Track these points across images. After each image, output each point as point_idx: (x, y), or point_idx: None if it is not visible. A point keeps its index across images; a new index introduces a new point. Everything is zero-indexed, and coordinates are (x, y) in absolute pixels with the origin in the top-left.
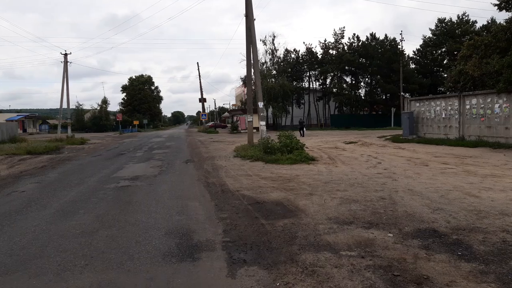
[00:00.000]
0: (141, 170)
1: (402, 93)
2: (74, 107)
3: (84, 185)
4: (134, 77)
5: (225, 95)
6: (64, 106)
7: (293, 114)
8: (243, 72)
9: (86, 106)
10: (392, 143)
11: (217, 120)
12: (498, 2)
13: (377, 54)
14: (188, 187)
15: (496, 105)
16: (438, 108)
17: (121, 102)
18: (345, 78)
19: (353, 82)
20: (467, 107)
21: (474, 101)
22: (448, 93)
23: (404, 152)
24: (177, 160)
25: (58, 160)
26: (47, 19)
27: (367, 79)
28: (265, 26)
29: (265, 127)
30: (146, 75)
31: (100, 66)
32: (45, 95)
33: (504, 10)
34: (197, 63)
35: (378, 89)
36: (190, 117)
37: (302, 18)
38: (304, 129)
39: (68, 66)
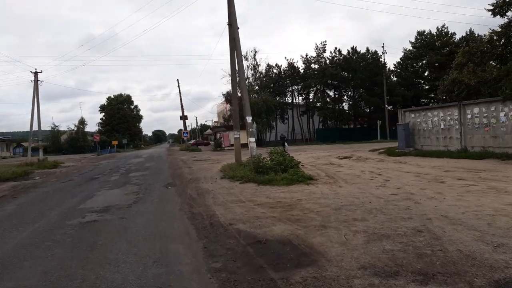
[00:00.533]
0: (114, 198)
1: (386, 106)
2: (49, 128)
3: (42, 221)
4: (112, 97)
5: (207, 112)
6: (35, 127)
7: (277, 129)
8: (224, 88)
9: (63, 128)
10: (388, 156)
11: (199, 138)
12: (492, 8)
13: (359, 67)
14: (169, 220)
15: (502, 114)
16: (435, 118)
17: (100, 122)
18: (328, 92)
19: (337, 96)
20: (469, 116)
21: (476, 110)
22: (441, 103)
23: (407, 166)
24: (157, 184)
25: (21, 188)
26: (23, 40)
27: (350, 92)
28: (245, 42)
29: (255, 143)
30: (125, 94)
31: (78, 87)
32: (23, 117)
33: (498, 16)
34: (177, 80)
35: (362, 102)
36: (172, 135)
37: (281, 35)
38: (286, 144)
39: (39, 85)
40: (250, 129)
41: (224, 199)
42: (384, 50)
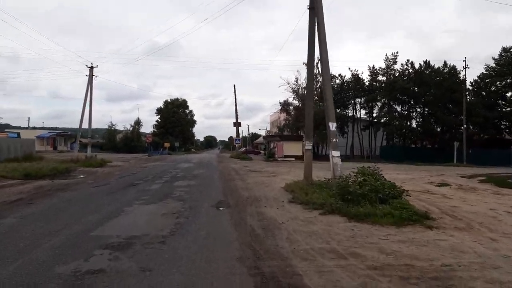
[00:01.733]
0: (145, 220)
1: (465, 126)
2: (107, 127)
3: (19, 262)
4: (169, 100)
5: (258, 121)
6: (86, 123)
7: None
8: (281, 97)
9: (120, 127)
10: (499, 187)
11: (250, 146)
12: None
13: (433, 82)
14: (222, 280)
15: None
16: None
17: (155, 124)
18: (396, 107)
19: (405, 112)
20: None
21: None
22: None
23: None
24: (205, 202)
25: (48, 189)
26: (92, 46)
27: (419, 109)
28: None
29: (339, 159)
30: (181, 98)
31: (140, 90)
32: (86, 114)
33: None
34: (234, 85)
35: (432, 120)
36: (222, 141)
37: (340, 49)
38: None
39: (94, 80)
40: (334, 139)
41: (308, 246)
42: (466, 65)
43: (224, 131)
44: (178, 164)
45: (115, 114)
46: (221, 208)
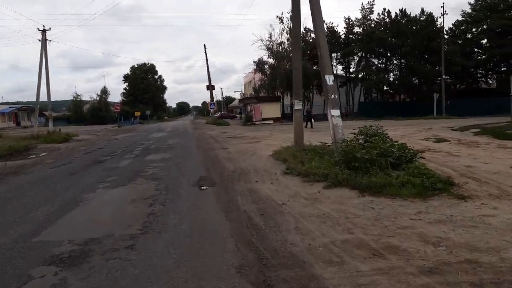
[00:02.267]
0: (109, 211)
1: (444, 76)
2: (72, 98)
3: None
4: (136, 66)
5: (231, 84)
6: (44, 95)
7: (313, 102)
8: (255, 56)
9: (85, 97)
10: (499, 140)
11: (225, 111)
12: None
13: (410, 31)
14: None
15: None
16: None
17: (123, 93)
18: (373, 60)
19: (382, 65)
20: None
21: None
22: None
23: None
24: (184, 180)
25: None
26: (48, 10)
27: (395, 61)
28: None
29: (340, 119)
30: (149, 63)
31: (105, 57)
32: (51, 87)
33: None
34: (204, 45)
35: (410, 72)
36: (195, 107)
37: None
38: (313, 120)
39: (54, 48)
40: (332, 96)
41: (327, 239)
42: (444, 11)
43: (196, 96)
44: (150, 134)
45: (81, 84)
46: (204, 187)
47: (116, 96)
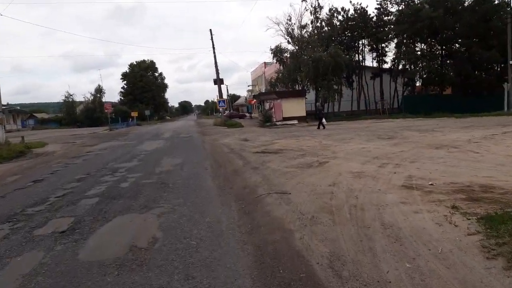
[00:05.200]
0: None
1: (511, 62)
2: (63, 98)
3: None
4: (135, 63)
5: (234, 82)
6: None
7: (341, 98)
8: (271, 42)
9: (79, 98)
10: None
11: (231, 109)
12: None
13: (464, 8)
14: None
15: None
16: None
17: (121, 92)
18: (417, 45)
19: (427, 50)
20: None
21: None
22: None
23: None
24: None
25: None
26: (53, 12)
27: (445, 46)
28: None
29: None
30: (148, 60)
31: (108, 58)
32: (54, 89)
33: None
34: (210, 30)
35: (468, 59)
36: (198, 106)
37: None
38: (324, 120)
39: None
40: None
41: None
42: None
43: (198, 95)
44: (141, 145)
45: (83, 85)
46: None
47: (115, 96)
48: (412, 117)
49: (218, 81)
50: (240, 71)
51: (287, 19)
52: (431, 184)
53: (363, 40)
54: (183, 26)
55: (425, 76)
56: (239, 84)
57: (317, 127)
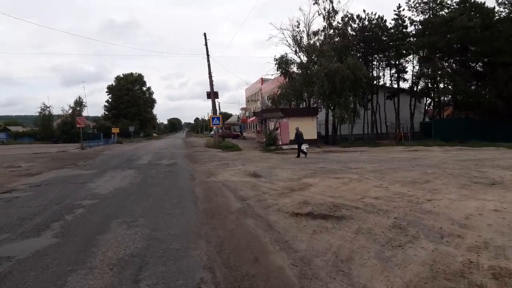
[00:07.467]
0: None
1: None
2: (39, 111)
3: None
4: (121, 76)
5: (224, 101)
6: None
7: (356, 119)
8: (273, 51)
9: (57, 111)
10: None
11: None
12: None
13: (501, 20)
14: None
15: None
16: None
17: (105, 106)
18: (443, 62)
19: (457, 67)
20: None
21: None
22: None
23: None
24: None
25: None
26: (42, 27)
27: (475, 63)
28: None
29: None
30: (136, 73)
31: (99, 72)
32: (36, 101)
33: None
34: (204, 34)
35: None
36: (187, 124)
37: None
38: (304, 146)
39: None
40: None
41: None
42: None
43: (188, 113)
44: (96, 179)
45: (70, 99)
46: None
47: (98, 110)
48: (448, 145)
49: (212, 94)
50: (231, 91)
51: (295, 25)
52: None
53: (379, 54)
54: (176, 43)
55: (459, 96)
56: (230, 104)
57: (296, 155)
